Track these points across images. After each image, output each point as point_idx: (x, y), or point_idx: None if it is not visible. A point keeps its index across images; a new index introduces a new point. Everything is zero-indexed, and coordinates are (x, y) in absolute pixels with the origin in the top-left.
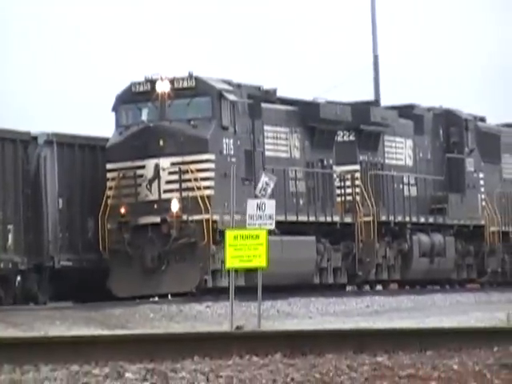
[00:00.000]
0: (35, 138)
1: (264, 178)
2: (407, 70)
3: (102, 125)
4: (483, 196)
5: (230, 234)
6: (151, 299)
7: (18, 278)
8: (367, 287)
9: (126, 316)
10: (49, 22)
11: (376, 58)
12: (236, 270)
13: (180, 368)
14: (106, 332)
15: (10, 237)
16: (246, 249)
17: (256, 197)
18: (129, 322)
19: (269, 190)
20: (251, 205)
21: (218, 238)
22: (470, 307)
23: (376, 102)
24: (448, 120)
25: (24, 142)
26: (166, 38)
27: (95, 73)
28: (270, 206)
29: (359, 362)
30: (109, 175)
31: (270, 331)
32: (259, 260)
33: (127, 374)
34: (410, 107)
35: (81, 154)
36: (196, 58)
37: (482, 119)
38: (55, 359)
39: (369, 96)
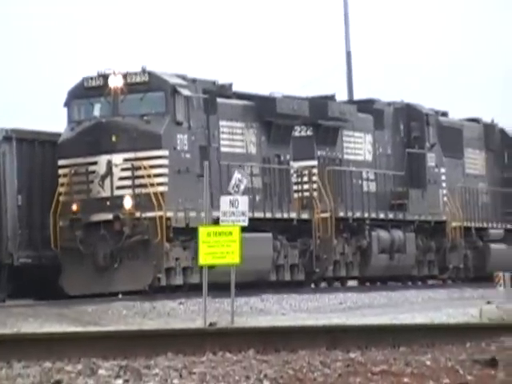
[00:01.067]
0: None
1: (237, 175)
2: (380, 66)
3: (58, 121)
4: (445, 191)
5: (203, 231)
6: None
7: None
8: (337, 284)
9: (98, 313)
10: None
11: (349, 54)
12: (201, 267)
13: (153, 365)
14: (78, 329)
15: None
16: (220, 245)
17: (229, 193)
18: (102, 318)
19: (242, 187)
20: (224, 201)
21: (172, 235)
22: (442, 303)
23: (333, 97)
24: (409, 114)
25: None
26: (119, 33)
27: (48, 68)
28: (243, 202)
29: (332, 358)
30: (60, 171)
31: (243, 327)
32: (232, 256)
33: (100, 371)
34: (370, 102)
35: (41, 150)
36: (152, 52)
37: (444, 114)
38: (28, 356)
39: (343, 92)
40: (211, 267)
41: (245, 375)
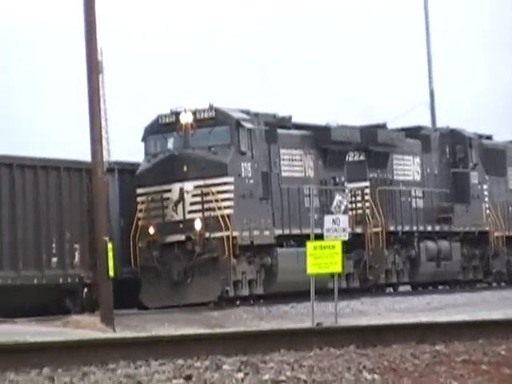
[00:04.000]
0: None
1: (338, 197)
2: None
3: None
4: (487, 205)
5: (310, 245)
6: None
7: (85, 290)
8: (389, 290)
9: (223, 317)
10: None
11: (432, 91)
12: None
13: (269, 359)
14: (206, 331)
15: (77, 255)
16: (324, 257)
17: (331, 213)
18: (226, 322)
19: (342, 207)
20: (328, 220)
21: (238, 252)
22: None
23: (385, 125)
24: (453, 139)
25: (88, 170)
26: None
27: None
28: (344, 220)
29: (421, 350)
30: (139, 199)
31: (345, 326)
32: (335, 266)
33: (224, 366)
34: (418, 128)
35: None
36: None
37: (489, 137)
38: (163, 355)
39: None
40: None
41: (346, 367)
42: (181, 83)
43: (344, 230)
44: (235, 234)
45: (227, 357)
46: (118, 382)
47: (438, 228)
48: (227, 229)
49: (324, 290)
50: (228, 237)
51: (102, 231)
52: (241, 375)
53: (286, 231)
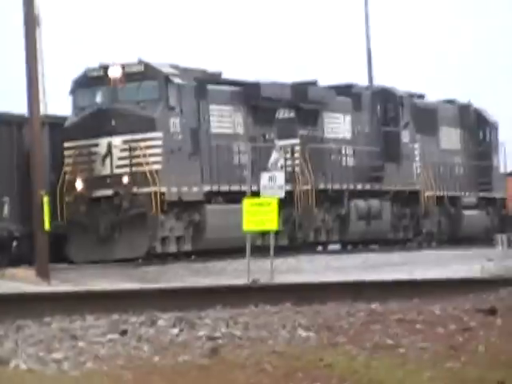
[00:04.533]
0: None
1: (275, 155)
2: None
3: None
4: (418, 164)
5: (247, 202)
6: None
7: (14, 243)
8: (320, 248)
9: (159, 273)
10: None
11: (369, 50)
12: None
13: (204, 316)
14: (142, 286)
15: (6, 208)
16: (260, 214)
17: (268, 170)
18: (162, 277)
19: (279, 164)
20: (264, 177)
21: (166, 208)
22: (450, 261)
23: (316, 83)
24: (385, 97)
25: (18, 123)
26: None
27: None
28: (280, 177)
29: (356, 308)
30: (66, 153)
31: (281, 283)
32: (271, 224)
33: (159, 322)
34: (349, 86)
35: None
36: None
37: (421, 96)
38: (99, 309)
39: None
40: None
41: (282, 324)
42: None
43: (280, 187)
44: (163, 189)
45: (162, 312)
46: (53, 336)
47: (368, 187)
48: (155, 184)
49: (252, 247)
50: (156, 192)
51: (39, 185)
52: (176, 331)
53: (215, 188)
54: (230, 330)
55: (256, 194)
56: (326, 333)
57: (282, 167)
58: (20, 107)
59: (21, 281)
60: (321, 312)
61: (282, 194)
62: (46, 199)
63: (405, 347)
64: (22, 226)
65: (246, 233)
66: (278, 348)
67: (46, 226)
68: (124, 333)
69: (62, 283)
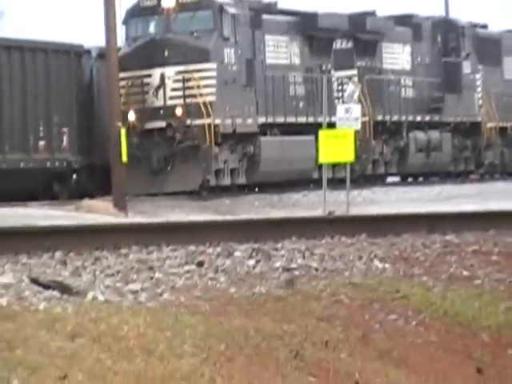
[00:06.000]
0: (88, 51)
1: (350, 87)
2: None
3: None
4: (480, 95)
5: (323, 134)
6: None
7: (74, 175)
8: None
9: (234, 204)
10: None
11: None
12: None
13: (280, 247)
14: (218, 217)
15: (65, 138)
16: (337, 146)
17: (344, 102)
18: (237, 209)
19: (355, 96)
20: (340, 109)
21: (220, 140)
22: None
23: (374, 13)
24: (446, 27)
25: (77, 53)
26: None
27: None
28: (356, 110)
29: (431, 240)
30: (120, 83)
31: (356, 215)
32: (348, 155)
33: (236, 253)
34: (409, 16)
35: None
36: None
37: (484, 26)
38: (175, 241)
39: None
40: None
41: (358, 255)
42: None
43: (356, 119)
44: (217, 121)
45: (239, 244)
46: (130, 267)
47: (427, 118)
48: (209, 116)
49: (311, 179)
50: (210, 124)
51: (115, 117)
52: (252, 262)
53: (270, 120)
54: (305, 261)
55: (312, 125)
56: (401, 264)
57: (358, 99)
58: (75, 38)
59: (98, 212)
60: (396, 243)
61: (358, 126)
62: (123, 131)
63: (480, 278)
64: (81, 158)
65: (323, 164)
66: (353, 279)
67: (124, 157)
68: (201, 264)
69: (138, 215)
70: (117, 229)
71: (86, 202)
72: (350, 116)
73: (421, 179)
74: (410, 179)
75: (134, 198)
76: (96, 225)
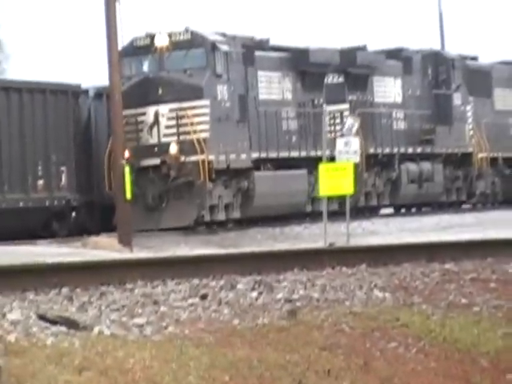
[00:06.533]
0: (86, 91)
1: (349, 120)
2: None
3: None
4: (471, 126)
5: (322, 167)
6: None
7: (73, 213)
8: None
9: (237, 238)
10: None
11: (441, 15)
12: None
13: (282, 279)
14: (221, 251)
15: (64, 177)
16: (336, 179)
17: (342, 136)
18: (240, 242)
19: (353, 130)
20: (340, 142)
21: (214, 176)
22: None
23: (365, 47)
24: (436, 60)
25: (74, 93)
26: None
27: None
28: (355, 143)
29: (431, 269)
30: None
31: (356, 246)
32: (347, 188)
33: (239, 285)
34: (399, 50)
35: None
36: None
37: (474, 58)
38: (179, 275)
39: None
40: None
41: (358, 285)
42: (160, 7)
43: (355, 152)
44: (211, 157)
45: (242, 276)
46: (136, 301)
47: (419, 150)
48: (203, 152)
49: (300, 213)
50: (204, 161)
51: (119, 155)
52: (255, 294)
53: (263, 155)
54: (307, 292)
55: (305, 159)
56: (401, 293)
57: (357, 133)
58: (73, 78)
59: (104, 248)
60: (396, 273)
61: (357, 159)
62: (127, 169)
63: (479, 305)
64: (79, 196)
65: (322, 197)
66: (354, 309)
67: (128, 195)
68: (204, 297)
69: (143, 250)
70: (122, 264)
71: (92, 238)
72: (349, 149)
73: (414, 210)
74: (403, 210)
75: (140, 234)
76: (101, 261)
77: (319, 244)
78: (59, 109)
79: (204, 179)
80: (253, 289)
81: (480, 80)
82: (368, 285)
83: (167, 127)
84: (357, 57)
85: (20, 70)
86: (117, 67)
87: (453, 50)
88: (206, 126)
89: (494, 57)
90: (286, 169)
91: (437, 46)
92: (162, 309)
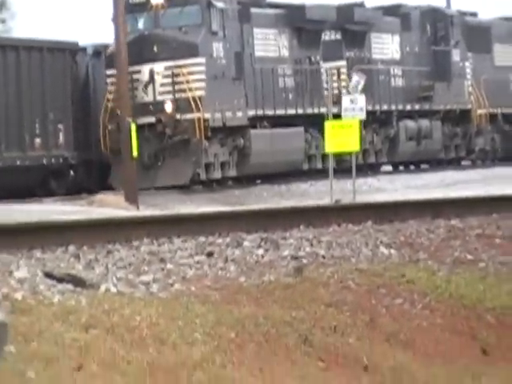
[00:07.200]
0: (84, 49)
1: (355, 77)
2: None
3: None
4: (470, 82)
5: (328, 125)
6: None
7: (71, 171)
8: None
9: (243, 196)
10: None
11: None
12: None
13: (288, 236)
14: (227, 208)
15: (61, 135)
16: (342, 136)
17: (349, 93)
18: (246, 200)
19: (359, 87)
20: (346, 100)
21: (210, 134)
22: None
23: (362, 4)
24: (434, 16)
25: (72, 51)
26: None
27: None
28: (361, 100)
29: (436, 225)
30: (108, 80)
31: (362, 203)
32: (353, 145)
33: (245, 243)
34: (397, 6)
35: None
36: None
37: (473, 14)
38: (186, 232)
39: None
40: None
41: (364, 242)
42: None
43: (361, 109)
44: (207, 115)
45: (248, 234)
46: (142, 259)
47: (417, 107)
48: (198, 110)
49: (297, 171)
50: (199, 118)
51: (126, 113)
52: (261, 251)
53: (260, 112)
54: (313, 249)
55: (302, 116)
56: (407, 249)
57: (362, 90)
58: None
59: (110, 206)
60: (402, 230)
61: (364, 116)
62: (133, 126)
63: (484, 261)
64: (77, 154)
65: (329, 154)
66: (360, 265)
67: (134, 152)
68: (210, 254)
69: (149, 208)
70: (128, 222)
71: (98, 196)
72: (355, 106)
73: (412, 167)
74: (401, 167)
75: (145, 192)
76: (107, 219)
77: (325, 201)
78: (57, 67)
79: (200, 137)
80: (259, 246)
81: (479, 36)
82: (374, 241)
83: (162, 85)
84: (354, 13)
85: (26, 28)
86: (122, 25)
87: (453, 6)
88: (202, 84)
89: (494, 13)
90: (282, 126)
91: (442, 3)
92: (169, 266)
